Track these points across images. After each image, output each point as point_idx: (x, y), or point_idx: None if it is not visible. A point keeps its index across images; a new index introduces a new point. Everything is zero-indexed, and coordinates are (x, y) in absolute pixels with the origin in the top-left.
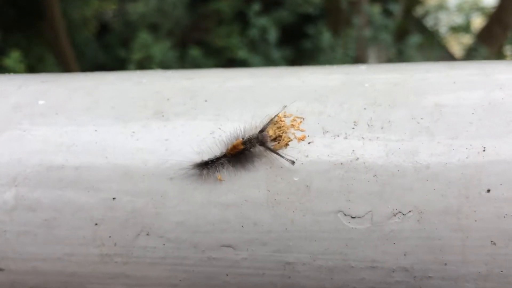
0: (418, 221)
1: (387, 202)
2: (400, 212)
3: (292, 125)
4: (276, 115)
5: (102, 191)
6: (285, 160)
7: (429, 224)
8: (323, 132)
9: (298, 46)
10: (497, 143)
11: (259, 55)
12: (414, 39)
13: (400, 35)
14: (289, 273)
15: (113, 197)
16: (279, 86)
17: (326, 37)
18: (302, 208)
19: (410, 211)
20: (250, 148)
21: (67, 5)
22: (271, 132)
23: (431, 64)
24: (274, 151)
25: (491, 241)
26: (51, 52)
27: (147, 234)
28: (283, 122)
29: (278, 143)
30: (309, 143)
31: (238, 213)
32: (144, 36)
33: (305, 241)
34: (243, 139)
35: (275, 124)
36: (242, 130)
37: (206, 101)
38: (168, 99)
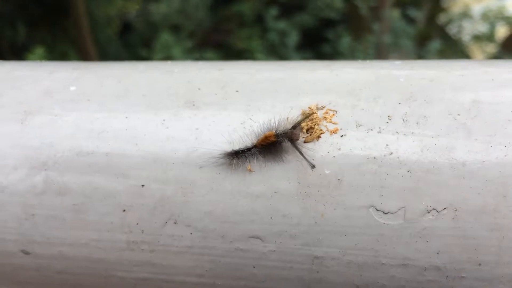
0: (453, 219)
1: (421, 199)
2: (434, 209)
3: (325, 117)
4: (312, 112)
5: (131, 178)
6: (308, 161)
7: (464, 222)
8: (356, 126)
9: (317, 50)
10: None
11: (278, 58)
12: (435, 44)
13: (422, 42)
14: (318, 267)
15: (142, 184)
16: (311, 78)
17: (345, 41)
18: (333, 202)
19: (444, 208)
20: (282, 141)
21: (92, 4)
22: (303, 124)
23: (468, 61)
24: (300, 151)
25: None
26: (74, 49)
27: (175, 223)
28: (315, 114)
29: (310, 135)
30: (341, 136)
31: (267, 204)
32: (165, 37)
33: (335, 236)
34: (276, 131)
35: (307, 116)
36: (275, 122)
37: (237, 91)
38: (199, 89)
